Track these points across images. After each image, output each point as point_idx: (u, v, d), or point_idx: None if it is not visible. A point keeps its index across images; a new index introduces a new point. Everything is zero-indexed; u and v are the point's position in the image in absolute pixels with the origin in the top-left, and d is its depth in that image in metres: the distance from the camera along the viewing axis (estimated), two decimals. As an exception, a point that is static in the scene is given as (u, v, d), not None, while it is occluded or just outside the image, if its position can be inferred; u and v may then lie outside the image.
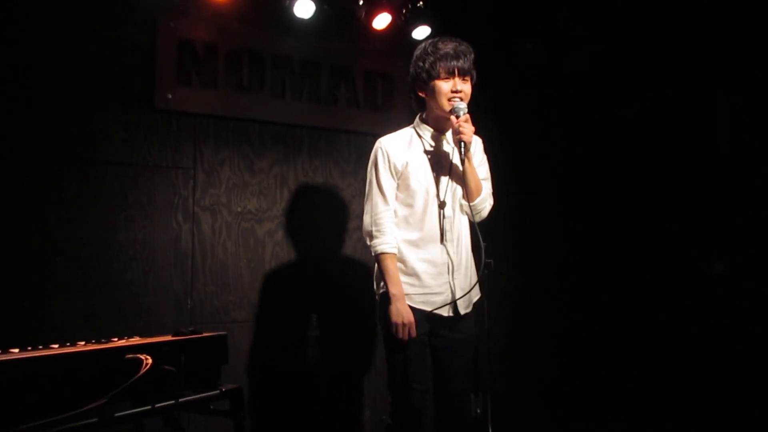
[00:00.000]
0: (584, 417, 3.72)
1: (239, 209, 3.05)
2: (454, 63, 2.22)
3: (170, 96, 2.89)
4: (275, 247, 3.11)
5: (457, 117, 2.18)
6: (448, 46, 2.23)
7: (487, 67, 3.76)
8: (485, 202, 2.36)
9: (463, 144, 2.16)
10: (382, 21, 3.26)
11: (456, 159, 2.30)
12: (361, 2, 3.17)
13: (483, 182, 2.36)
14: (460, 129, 2.16)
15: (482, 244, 2.98)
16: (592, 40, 3.86)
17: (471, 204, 2.27)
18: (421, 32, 3.28)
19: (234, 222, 3.03)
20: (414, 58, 2.32)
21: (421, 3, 3.24)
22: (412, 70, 2.33)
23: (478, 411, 3.13)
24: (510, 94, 3.88)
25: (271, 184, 3.14)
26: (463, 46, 2.26)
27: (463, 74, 2.24)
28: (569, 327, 3.92)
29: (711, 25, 3.40)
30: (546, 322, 3.88)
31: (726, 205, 3.44)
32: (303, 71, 3.23)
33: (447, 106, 2.22)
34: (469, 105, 2.26)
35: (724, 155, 3.45)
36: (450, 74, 2.22)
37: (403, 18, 3.28)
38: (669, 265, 3.73)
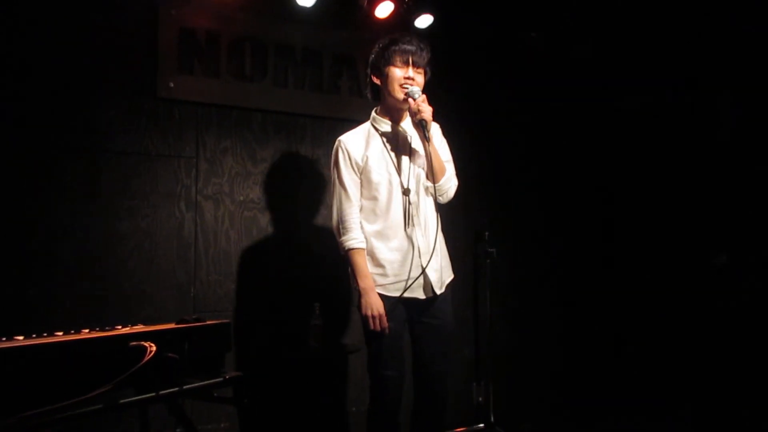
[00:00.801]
0: (585, 404, 3.74)
1: (242, 198, 3.05)
2: (409, 53, 2.29)
3: (172, 85, 2.88)
4: (278, 236, 3.12)
5: (414, 99, 2.25)
6: (406, 38, 2.33)
7: (489, 55, 3.77)
8: (450, 182, 2.41)
9: (424, 123, 2.22)
10: (384, 10, 3.24)
11: (415, 144, 2.38)
12: (363, -10, 3.16)
13: (446, 164, 2.41)
14: (420, 108, 2.23)
15: (485, 233, 2.99)
16: (595, 32, 3.85)
17: (436, 185, 2.32)
18: (423, 21, 3.28)
19: (237, 211, 3.04)
20: (374, 49, 2.40)
21: (423, -9, 3.22)
22: (371, 59, 2.41)
23: (480, 399, 3.15)
24: (512, 83, 3.87)
25: (274, 173, 3.14)
26: (422, 43, 2.34)
27: (416, 65, 2.31)
28: (571, 315, 3.93)
29: (713, 24, 3.39)
30: (548, 310, 3.88)
31: (719, 196, 3.44)
32: (305, 60, 3.22)
33: (399, 93, 2.29)
34: (427, 93, 2.30)
35: (724, 151, 3.44)
36: (404, 63, 2.30)
37: (405, 7, 3.26)
38: (668, 254, 3.73)
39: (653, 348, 3.77)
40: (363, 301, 2.27)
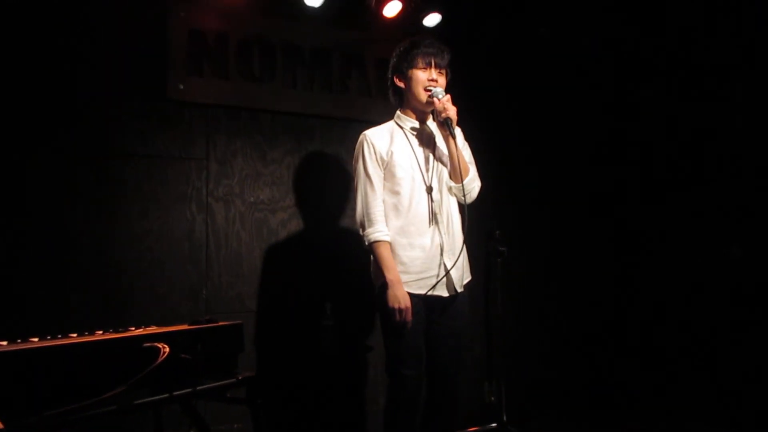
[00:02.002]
0: (599, 402, 3.72)
1: (252, 199, 3.06)
2: (431, 55, 2.35)
3: (182, 86, 2.89)
4: (289, 237, 3.12)
5: (438, 99, 2.29)
6: (426, 41, 2.38)
7: (498, 53, 3.75)
8: (474, 182, 2.44)
9: (449, 121, 2.26)
10: (392, 9, 3.24)
11: (439, 143, 2.41)
12: (371, -10, 3.16)
13: (469, 165, 2.43)
14: (445, 107, 2.27)
15: (496, 231, 2.97)
16: (604, 26, 3.82)
17: (462, 184, 2.33)
18: (431, 19, 3.28)
19: (247, 212, 3.04)
20: (395, 52, 2.43)
21: (431, -10, 3.22)
22: (392, 62, 2.44)
23: (493, 399, 3.14)
24: (522, 80, 3.85)
25: (284, 174, 3.14)
26: (443, 46, 2.40)
27: (438, 67, 2.36)
28: (583, 313, 3.90)
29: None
30: (559, 309, 3.86)
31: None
32: (314, 60, 3.22)
33: (423, 96, 2.34)
34: (454, 93, 2.33)
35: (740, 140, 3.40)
36: (427, 65, 2.35)
37: (413, 5, 3.26)
38: (680, 250, 3.70)
39: (667, 344, 3.74)
40: (389, 293, 2.24)
